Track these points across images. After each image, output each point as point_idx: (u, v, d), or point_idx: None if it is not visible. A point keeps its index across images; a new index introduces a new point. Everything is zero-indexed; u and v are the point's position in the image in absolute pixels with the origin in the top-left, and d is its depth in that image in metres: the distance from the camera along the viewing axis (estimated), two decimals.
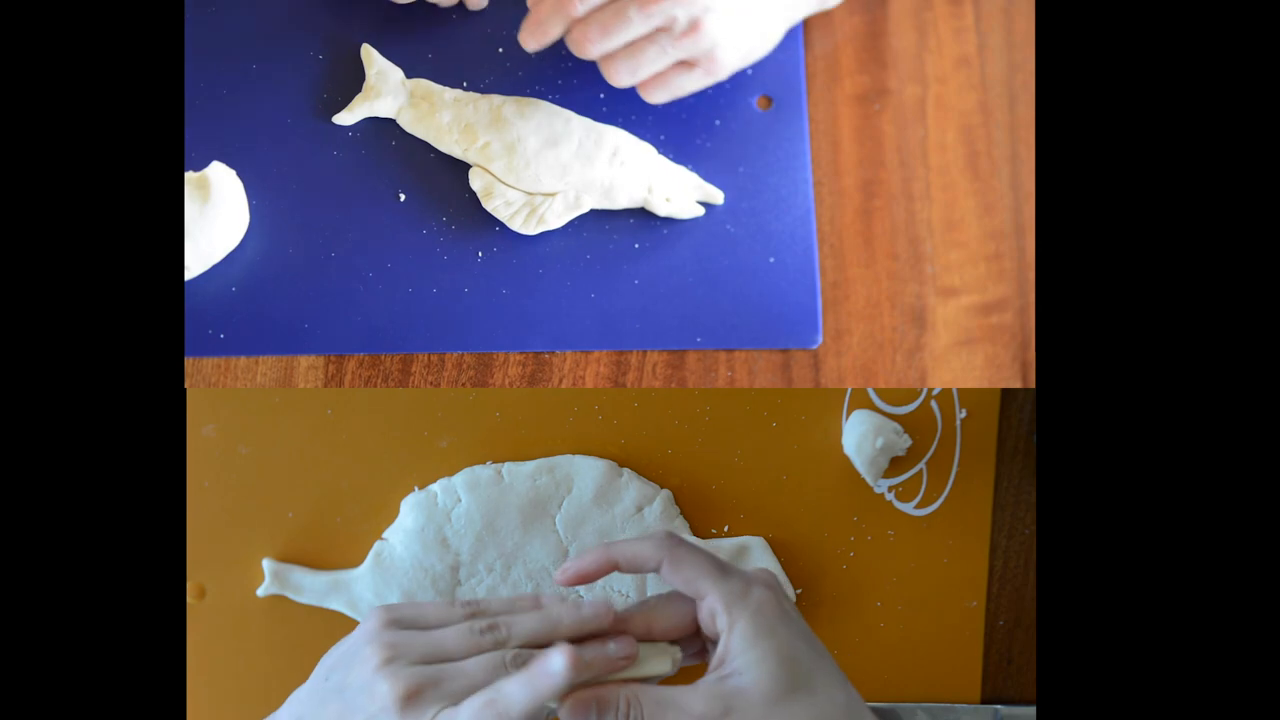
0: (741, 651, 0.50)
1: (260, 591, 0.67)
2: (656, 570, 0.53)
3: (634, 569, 0.54)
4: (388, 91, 0.68)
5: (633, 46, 0.63)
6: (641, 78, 0.64)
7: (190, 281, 0.66)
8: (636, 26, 0.62)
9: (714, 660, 0.51)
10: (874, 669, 0.69)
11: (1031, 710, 0.69)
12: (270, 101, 0.69)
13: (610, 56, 0.64)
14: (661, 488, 0.68)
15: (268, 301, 0.67)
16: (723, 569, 0.52)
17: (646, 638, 0.53)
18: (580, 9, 0.62)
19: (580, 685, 0.49)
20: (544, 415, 0.68)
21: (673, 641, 0.53)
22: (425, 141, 0.68)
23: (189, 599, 0.67)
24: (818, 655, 0.52)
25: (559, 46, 0.69)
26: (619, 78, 0.64)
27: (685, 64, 0.64)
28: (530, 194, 0.67)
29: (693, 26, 0.62)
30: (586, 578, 0.54)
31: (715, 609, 0.51)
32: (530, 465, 0.67)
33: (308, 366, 0.67)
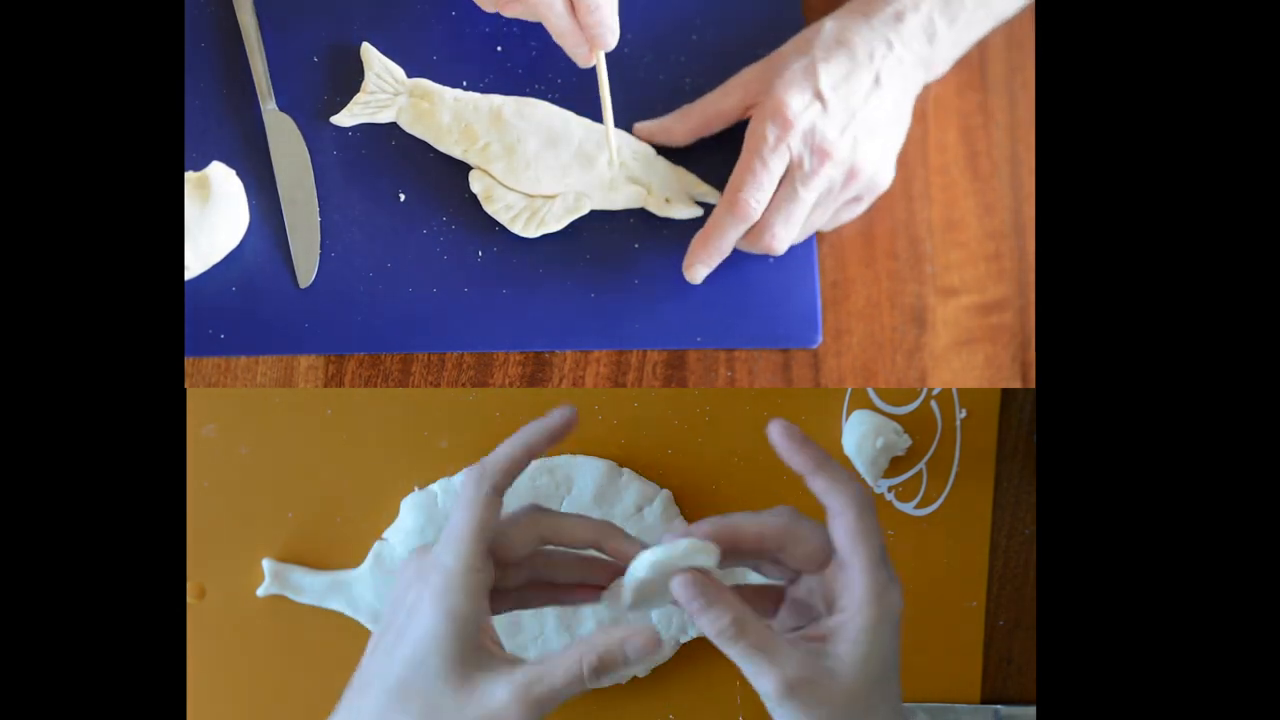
0: (852, 641, 0.50)
1: (260, 591, 0.67)
2: (832, 514, 0.52)
3: (819, 496, 0.53)
4: (386, 96, 0.68)
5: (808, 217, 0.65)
6: (810, 233, 0.67)
7: (190, 281, 0.66)
8: (807, 201, 0.63)
9: (816, 626, 0.51)
10: None
11: (1031, 710, 0.69)
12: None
13: (784, 232, 0.64)
14: (661, 488, 0.68)
15: (268, 301, 0.67)
16: (883, 557, 0.52)
17: (769, 551, 0.53)
18: (758, 211, 0.63)
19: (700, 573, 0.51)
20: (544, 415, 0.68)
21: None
22: (425, 141, 0.68)
23: (189, 599, 0.67)
24: (897, 668, 0.52)
25: (559, 45, 0.69)
26: (785, 245, 0.65)
27: (853, 200, 0.66)
28: (530, 196, 0.67)
29: (850, 177, 0.63)
30: (787, 458, 0.53)
31: (852, 587, 0.51)
32: (530, 465, 0.67)
33: (308, 366, 0.67)
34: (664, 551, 0.51)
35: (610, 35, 0.63)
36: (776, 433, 0.53)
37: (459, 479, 0.67)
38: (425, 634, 0.49)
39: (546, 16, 0.62)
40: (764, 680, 0.49)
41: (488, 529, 0.51)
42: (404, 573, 0.53)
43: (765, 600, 0.55)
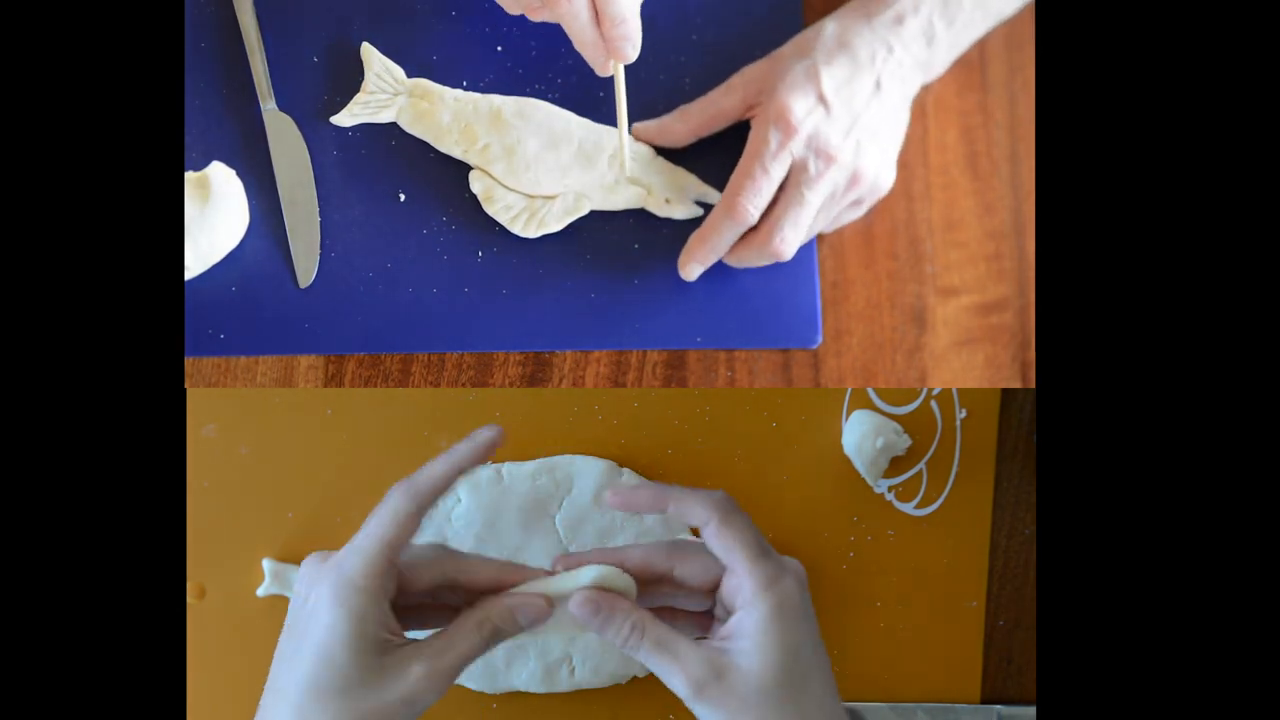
0: (753, 635, 0.51)
1: (260, 591, 0.67)
2: (700, 527, 0.53)
3: (681, 520, 0.54)
4: (386, 96, 0.68)
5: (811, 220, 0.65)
6: (813, 236, 0.67)
7: (190, 281, 0.66)
8: (814, 204, 0.63)
9: (721, 629, 0.52)
10: (874, 669, 0.69)
11: (1031, 710, 0.69)
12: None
13: (793, 235, 0.64)
14: None
15: (268, 301, 0.67)
16: (763, 549, 0.53)
17: (660, 574, 0.54)
18: (754, 216, 0.63)
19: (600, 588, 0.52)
20: (544, 415, 0.68)
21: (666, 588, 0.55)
22: (425, 141, 0.68)
23: (189, 599, 0.67)
24: (819, 659, 0.52)
25: (557, 44, 0.69)
26: (794, 250, 0.64)
27: (854, 203, 0.66)
28: (530, 197, 0.67)
29: (853, 181, 0.63)
30: (634, 508, 0.55)
31: (742, 586, 0.52)
32: (530, 465, 0.67)
33: (308, 366, 0.67)
34: (583, 576, 0.53)
35: (632, 49, 0.63)
36: (609, 499, 0.55)
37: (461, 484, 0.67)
38: (328, 634, 0.50)
39: (571, 26, 0.62)
40: (673, 680, 0.51)
41: (399, 543, 0.53)
42: (302, 577, 0.54)
43: (693, 626, 0.56)
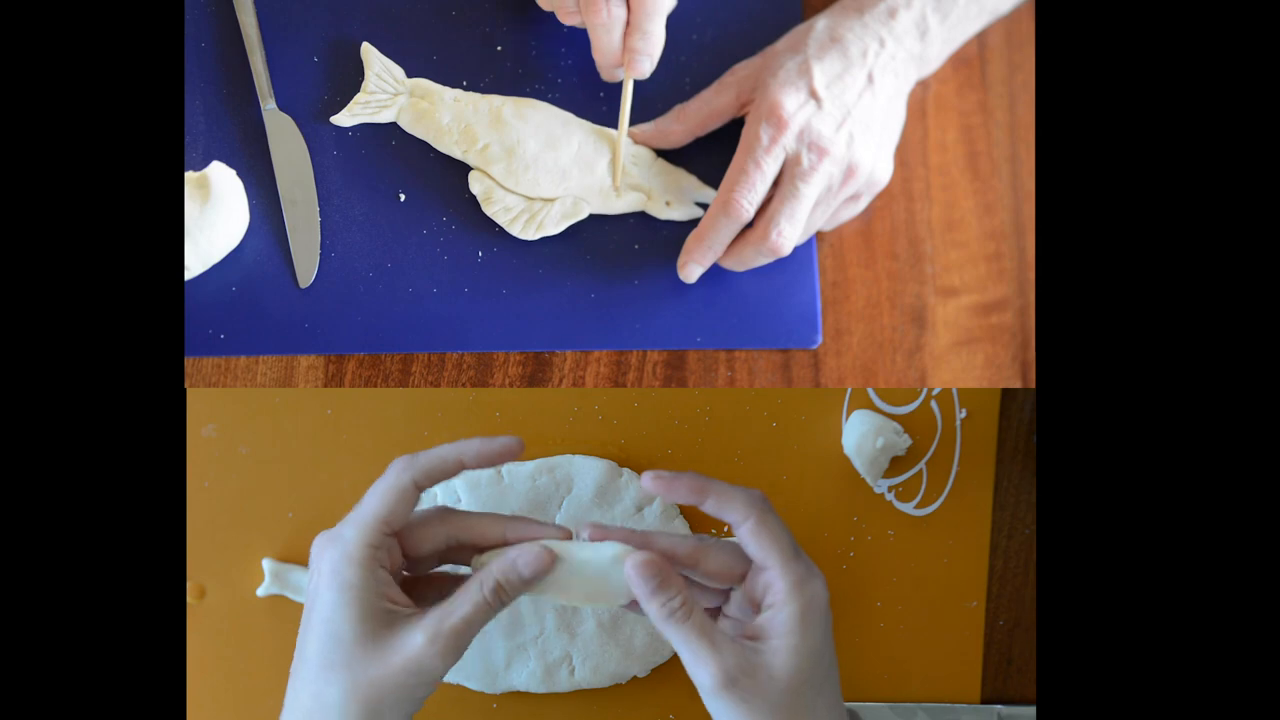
0: (782, 634, 0.52)
1: (260, 591, 0.67)
2: (735, 523, 0.54)
3: (717, 514, 0.54)
4: (386, 96, 0.69)
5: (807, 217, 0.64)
6: (810, 234, 0.66)
7: (190, 281, 0.66)
8: (809, 197, 0.63)
9: (750, 626, 0.53)
10: (874, 669, 0.69)
11: (1031, 710, 0.69)
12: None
13: (790, 229, 0.63)
14: None
15: (268, 301, 0.67)
16: (796, 551, 0.53)
17: (683, 567, 0.55)
18: (750, 211, 0.63)
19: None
20: (544, 415, 0.68)
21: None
22: (425, 141, 0.68)
23: (189, 599, 0.67)
24: (834, 663, 0.53)
25: (557, 44, 0.69)
26: (791, 245, 0.64)
27: (851, 198, 0.66)
28: (529, 199, 0.67)
29: (848, 174, 0.63)
30: (674, 495, 0.55)
31: (773, 584, 0.52)
32: (530, 465, 0.67)
33: (308, 366, 0.67)
34: (605, 550, 0.54)
35: (649, 64, 0.64)
36: (649, 482, 0.55)
37: (457, 482, 0.67)
38: (330, 610, 0.51)
39: (600, 35, 0.63)
40: (704, 669, 0.51)
41: (397, 516, 0.53)
42: (312, 555, 0.54)
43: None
